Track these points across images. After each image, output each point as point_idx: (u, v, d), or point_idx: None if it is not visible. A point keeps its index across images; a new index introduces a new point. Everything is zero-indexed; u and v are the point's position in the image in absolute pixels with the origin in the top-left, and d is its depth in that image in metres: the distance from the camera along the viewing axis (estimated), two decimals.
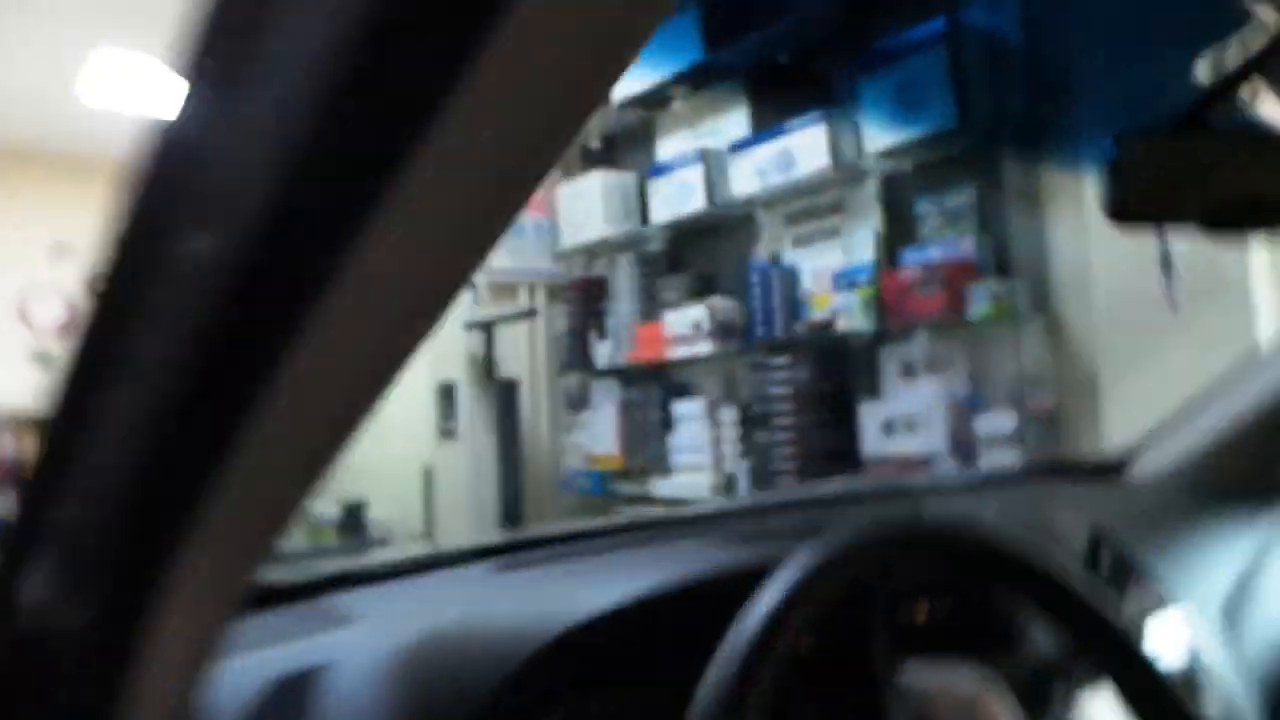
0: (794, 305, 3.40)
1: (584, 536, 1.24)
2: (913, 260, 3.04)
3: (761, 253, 3.66)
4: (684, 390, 3.96)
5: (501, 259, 4.54)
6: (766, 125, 3.54)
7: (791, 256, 3.56)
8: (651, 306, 4.07)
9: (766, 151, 3.44)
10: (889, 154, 3.11)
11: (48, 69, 5.37)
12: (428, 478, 4.93)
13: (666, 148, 4.13)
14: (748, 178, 3.53)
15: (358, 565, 1.16)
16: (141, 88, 5.66)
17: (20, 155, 6.84)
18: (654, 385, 4.01)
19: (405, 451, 5.80)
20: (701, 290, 3.87)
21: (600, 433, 4.27)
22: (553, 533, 1.28)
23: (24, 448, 6.42)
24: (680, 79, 3.83)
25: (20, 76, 5.49)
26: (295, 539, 5.20)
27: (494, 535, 1.60)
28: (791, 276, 3.47)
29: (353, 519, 5.58)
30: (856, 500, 1.48)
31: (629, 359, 4.08)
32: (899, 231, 3.21)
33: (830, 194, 3.44)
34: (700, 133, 3.97)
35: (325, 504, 6.51)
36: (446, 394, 4.60)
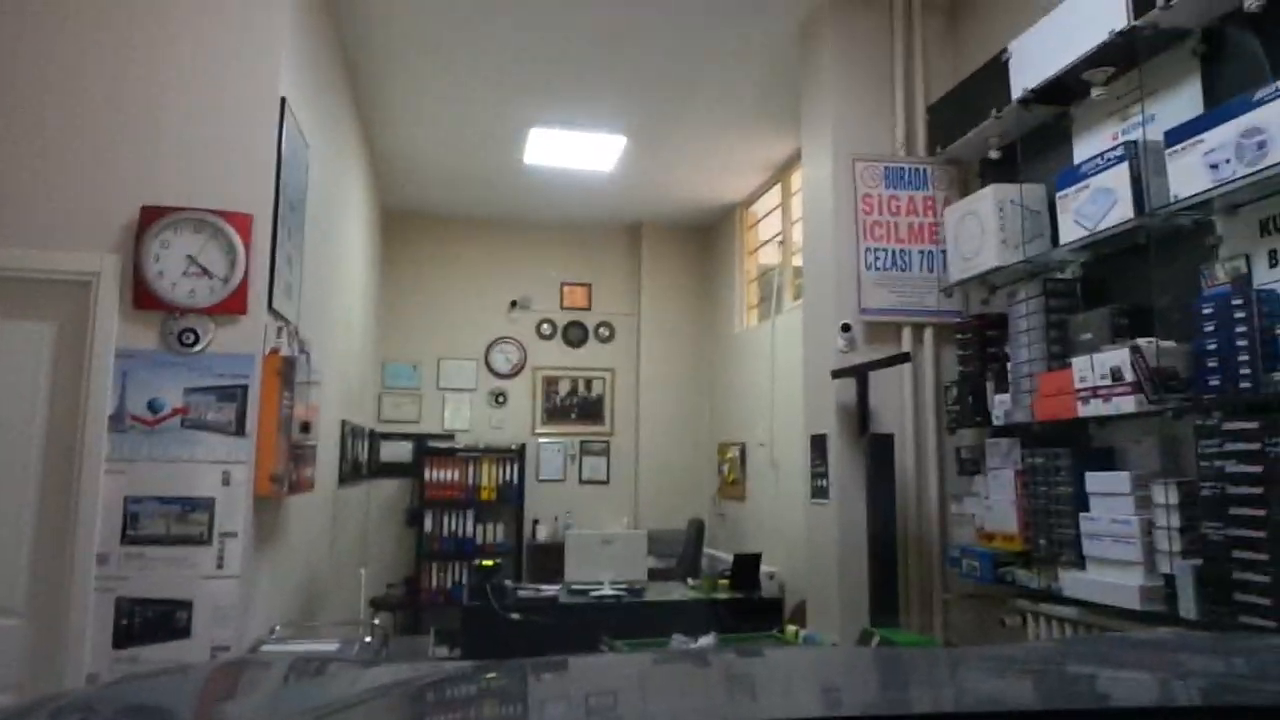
0: (1271, 345, 2.39)
1: None
2: None
3: (1219, 275, 2.67)
4: (1104, 458, 3.04)
5: (880, 296, 4.00)
6: (1223, 99, 2.58)
7: (1268, 277, 2.52)
8: (1064, 350, 3.22)
9: (1225, 134, 2.50)
10: None
11: (498, 146, 6.11)
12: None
13: (1085, 149, 3.29)
14: (1196, 174, 2.60)
15: None
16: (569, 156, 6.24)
17: (481, 222, 7.91)
18: (1065, 450, 3.14)
19: (795, 503, 5.45)
20: (1130, 328, 2.95)
21: (996, 504, 3.48)
22: None
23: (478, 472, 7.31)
24: (1100, 55, 3.00)
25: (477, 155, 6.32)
26: (698, 588, 5.10)
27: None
28: (1269, 305, 2.44)
29: (745, 570, 5.37)
30: None
31: (1034, 415, 3.26)
32: None
33: None
34: (1130, 124, 3.08)
35: (722, 553, 6.46)
36: (818, 447, 4.14)
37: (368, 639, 3.25)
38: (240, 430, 2.95)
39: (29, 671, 2.75)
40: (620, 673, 1.36)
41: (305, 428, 3.43)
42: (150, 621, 2.81)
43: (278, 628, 3.27)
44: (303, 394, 3.42)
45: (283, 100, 3.17)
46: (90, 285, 2.92)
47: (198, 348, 2.96)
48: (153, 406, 2.90)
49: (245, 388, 2.97)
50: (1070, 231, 3.14)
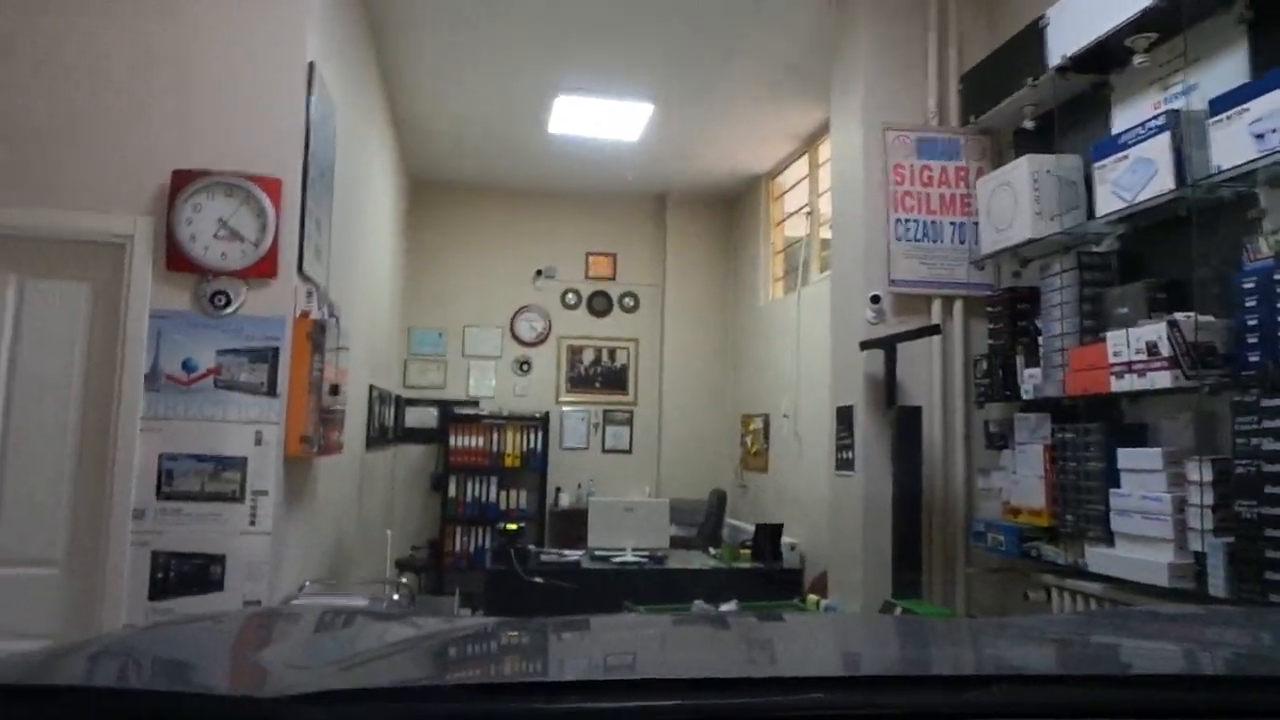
0: None
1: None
2: None
3: (1262, 248, 2.61)
4: (1137, 434, 3.01)
5: (910, 267, 3.96)
6: (1270, 68, 2.51)
7: None
8: (1098, 324, 3.18)
9: (1271, 102, 2.43)
10: None
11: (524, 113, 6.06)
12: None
13: (1125, 119, 3.22)
14: (1240, 144, 2.53)
15: None
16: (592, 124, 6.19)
17: (507, 191, 7.90)
18: (1096, 425, 3.11)
19: (818, 475, 5.46)
20: (1167, 303, 2.90)
21: (1023, 479, 3.46)
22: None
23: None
24: (1143, 20, 2.93)
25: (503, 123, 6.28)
26: (719, 557, 5.12)
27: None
28: None
29: (767, 540, 5.38)
30: None
31: (1065, 389, 3.23)
32: None
33: None
34: (1172, 93, 3.01)
35: (744, 523, 6.47)
36: (844, 419, 4.13)
37: (395, 597, 3.31)
38: (272, 391, 2.98)
39: (66, 621, 2.83)
40: (641, 631, 1.37)
41: (335, 390, 3.47)
42: (185, 575, 2.87)
43: (307, 584, 3.33)
44: (332, 357, 3.45)
45: (310, 65, 3.17)
46: (125, 247, 2.96)
47: (229, 310, 2.99)
48: (187, 366, 2.94)
49: (276, 350, 3.00)
50: (1107, 203, 3.08)
